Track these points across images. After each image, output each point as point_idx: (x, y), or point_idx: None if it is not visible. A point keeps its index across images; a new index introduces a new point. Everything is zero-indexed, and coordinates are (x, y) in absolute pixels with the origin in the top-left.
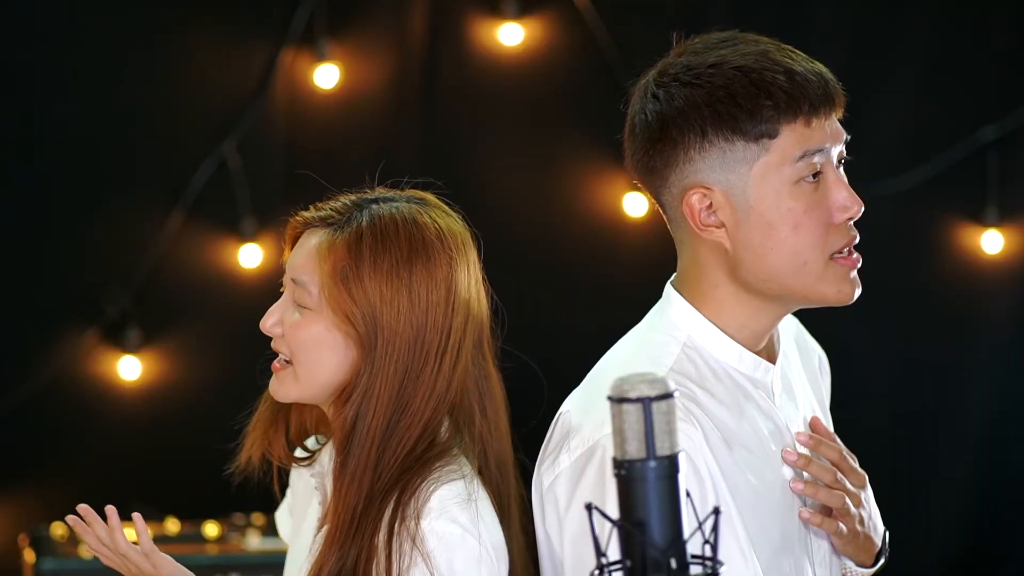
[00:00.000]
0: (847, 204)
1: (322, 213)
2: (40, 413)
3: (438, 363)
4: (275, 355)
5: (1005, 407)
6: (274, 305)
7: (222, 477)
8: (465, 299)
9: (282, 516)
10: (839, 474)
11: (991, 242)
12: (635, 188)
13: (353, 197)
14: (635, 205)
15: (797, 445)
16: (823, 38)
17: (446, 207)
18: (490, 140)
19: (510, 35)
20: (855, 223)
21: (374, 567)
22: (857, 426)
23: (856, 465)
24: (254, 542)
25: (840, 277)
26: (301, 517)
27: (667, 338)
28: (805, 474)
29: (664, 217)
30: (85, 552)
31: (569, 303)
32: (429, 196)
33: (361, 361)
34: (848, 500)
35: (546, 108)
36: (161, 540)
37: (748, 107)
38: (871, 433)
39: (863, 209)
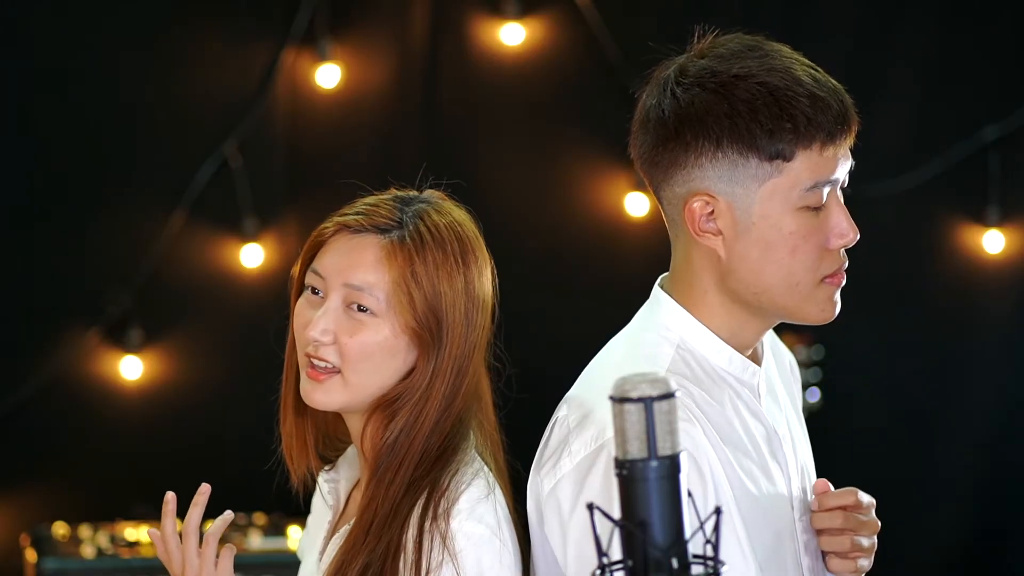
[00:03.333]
0: (845, 232)
1: (362, 217)
2: (41, 413)
3: (477, 357)
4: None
5: (1006, 407)
6: (320, 313)
7: (222, 477)
8: (493, 293)
9: (304, 534)
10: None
11: (992, 242)
12: (638, 188)
13: (385, 197)
14: (637, 205)
15: (786, 448)
16: (825, 38)
17: (455, 202)
18: (491, 140)
19: (511, 35)
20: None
21: (401, 563)
22: (858, 426)
23: (864, 511)
24: (255, 542)
25: (827, 298)
26: (318, 530)
27: (660, 339)
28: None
29: (661, 210)
30: (86, 552)
31: (570, 302)
32: (444, 197)
33: (421, 364)
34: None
35: (547, 108)
36: None
37: (769, 127)
38: (871, 433)
39: (859, 237)
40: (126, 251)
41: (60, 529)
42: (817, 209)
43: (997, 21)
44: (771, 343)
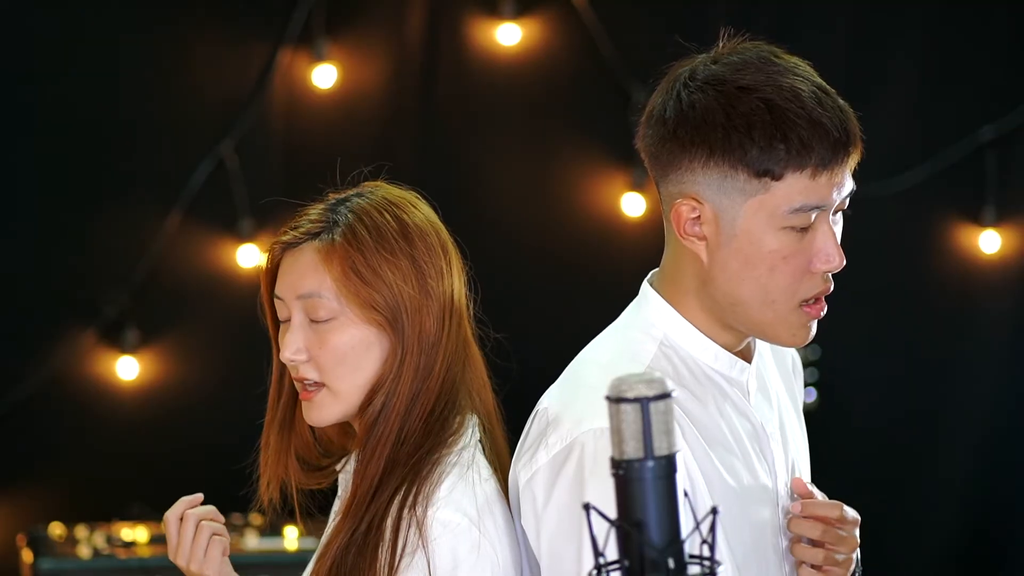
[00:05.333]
0: (830, 257)
1: (300, 230)
2: (38, 413)
3: (449, 325)
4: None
5: (1004, 407)
6: (287, 335)
7: (218, 477)
8: (456, 260)
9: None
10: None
11: (989, 242)
12: (634, 187)
13: (320, 204)
14: (633, 205)
15: (774, 445)
16: (822, 38)
17: (398, 186)
18: (488, 140)
19: (508, 35)
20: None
21: (379, 545)
22: (855, 426)
23: (846, 527)
24: (252, 542)
25: (800, 324)
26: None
27: (643, 336)
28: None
29: (660, 203)
30: (82, 552)
31: (567, 302)
32: (379, 183)
33: (392, 347)
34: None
35: (544, 108)
36: (160, 540)
37: (761, 144)
38: (868, 432)
39: (844, 264)
40: (123, 251)
41: (56, 529)
42: (804, 230)
43: (994, 21)
44: None
